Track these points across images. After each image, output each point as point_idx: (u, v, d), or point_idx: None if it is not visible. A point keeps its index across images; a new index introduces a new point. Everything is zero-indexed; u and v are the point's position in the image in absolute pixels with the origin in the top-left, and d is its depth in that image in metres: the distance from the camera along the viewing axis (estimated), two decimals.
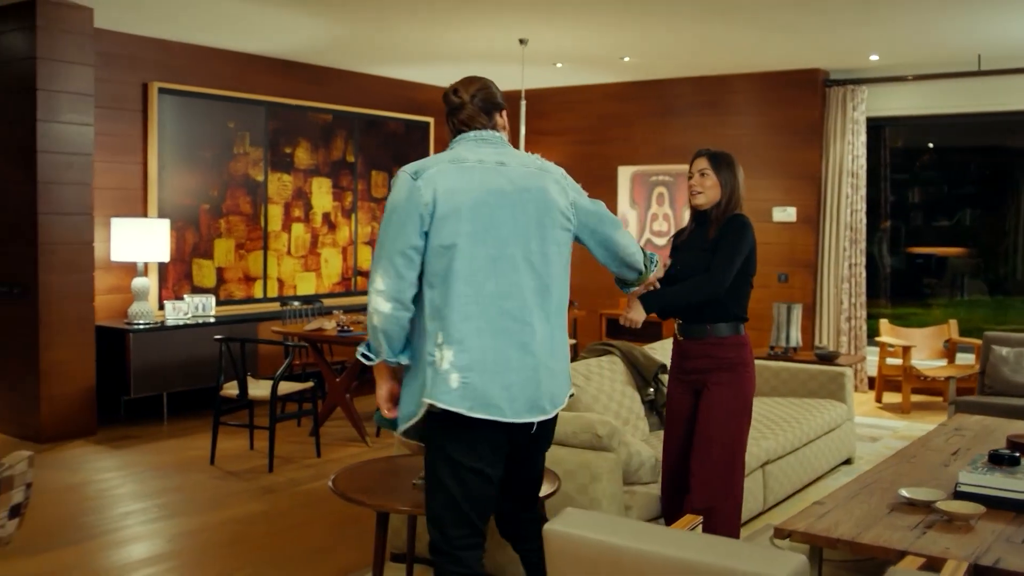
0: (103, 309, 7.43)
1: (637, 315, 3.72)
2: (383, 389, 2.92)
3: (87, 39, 6.82)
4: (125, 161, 7.62)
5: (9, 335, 6.89)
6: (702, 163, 3.91)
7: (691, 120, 9.56)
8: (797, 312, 7.21)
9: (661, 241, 9.73)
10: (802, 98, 8.99)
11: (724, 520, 3.80)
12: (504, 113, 3.00)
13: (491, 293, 2.74)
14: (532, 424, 2.81)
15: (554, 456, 4.01)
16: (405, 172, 2.80)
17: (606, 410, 4.72)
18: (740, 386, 3.85)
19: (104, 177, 7.40)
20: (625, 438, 4.17)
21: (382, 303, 2.76)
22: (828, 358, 7.00)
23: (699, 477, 3.83)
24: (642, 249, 3.20)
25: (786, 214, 9.06)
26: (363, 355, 2.88)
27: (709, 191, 3.88)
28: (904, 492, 3.84)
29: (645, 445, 4.39)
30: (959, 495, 3.80)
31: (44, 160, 6.62)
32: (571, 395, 2.98)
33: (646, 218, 9.86)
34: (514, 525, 3.09)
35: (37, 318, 6.64)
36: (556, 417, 2.91)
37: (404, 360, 2.83)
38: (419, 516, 3.98)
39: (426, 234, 2.75)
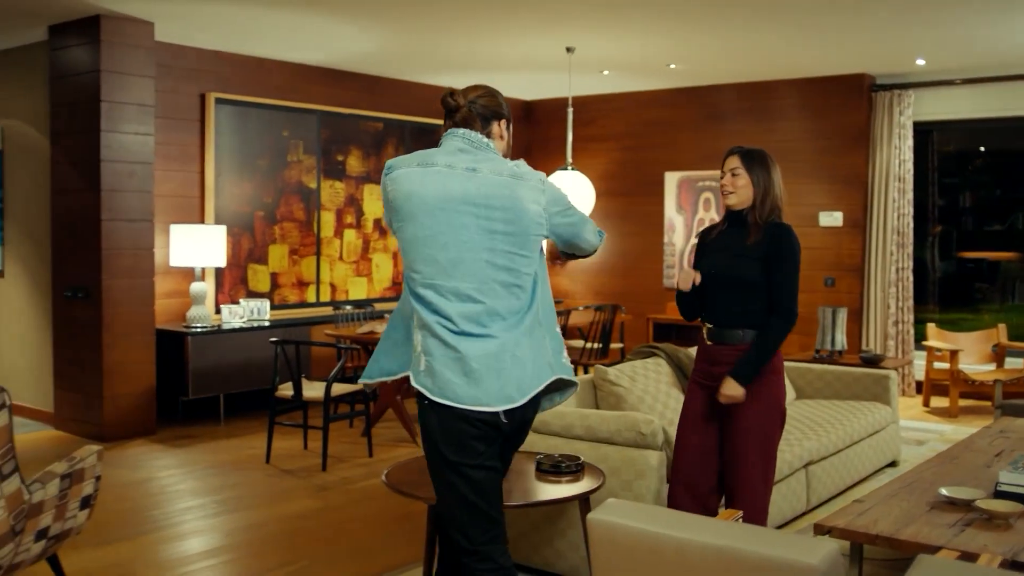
0: (162, 313, 7.67)
1: (737, 391, 3.70)
2: None
3: (148, 52, 7.07)
4: (183, 169, 7.86)
5: (74, 337, 7.14)
6: (733, 161, 3.77)
7: (737, 126, 9.62)
8: (842, 316, 7.24)
9: None
10: (848, 103, 9.02)
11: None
12: (504, 123, 3.05)
13: (449, 294, 2.84)
14: (510, 413, 2.85)
15: (599, 453, 4.13)
16: (386, 165, 2.96)
17: (651, 410, 4.83)
18: (772, 393, 3.79)
19: (163, 185, 7.65)
20: (669, 436, 4.26)
21: None
22: (873, 361, 7.03)
23: (738, 489, 3.77)
24: (597, 231, 3.16)
25: (833, 219, 9.08)
26: None
27: (741, 191, 3.76)
28: (944, 491, 3.89)
29: None
30: (999, 494, 3.85)
31: (107, 169, 6.87)
32: (554, 381, 2.96)
33: (692, 223, 9.93)
34: None
35: (100, 321, 6.89)
36: (531, 411, 2.93)
37: None
38: None
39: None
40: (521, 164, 2.98)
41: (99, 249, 6.88)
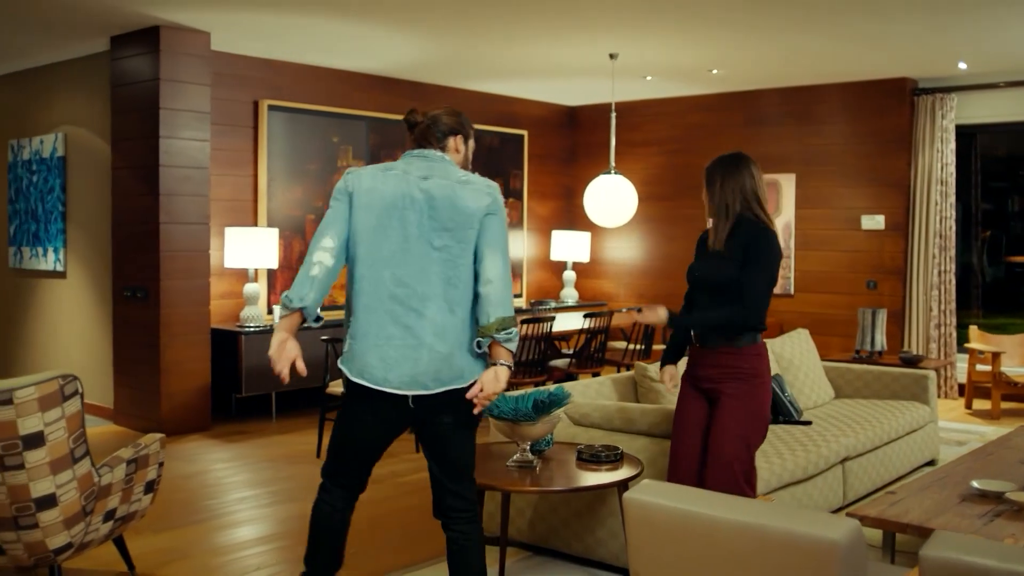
0: (217, 313, 7.91)
1: (653, 317, 3.92)
2: (276, 338, 3.24)
3: (204, 61, 7.34)
4: (237, 174, 8.12)
5: (133, 336, 7.42)
6: (702, 180, 4.04)
7: (780, 130, 9.70)
8: (882, 317, 7.32)
9: None
10: (890, 107, 9.07)
11: None
12: (460, 139, 3.45)
13: (386, 279, 3.23)
14: (428, 398, 3.22)
15: (637, 444, 4.28)
16: (346, 172, 3.35)
17: None
18: (754, 397, 3.88)
19: (218, 189, 7.90)
20: None
21: (328, 258, 3.24)
22: (912, 362, 7.10)
23: (712, 486, 3.76)
24: (507, 314, 3.25)
25: (875, 222, 9.13)
26: (287, 297, 3.25)
27: (707, 203, 4.03)
28: (975, 483, 3.99)
29: None
30: None
31: (165, 174, 7.14)
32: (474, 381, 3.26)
33: None
34: (441, 506, 3.38)
35: (158, 320, 7.15)
36: (464, 399, 3.22)
37: (315, 316, 3.29)
38: (512, 496, 4.30)
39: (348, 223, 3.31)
40: (473, 175, 3.38)
41: (157, 251, 7.14)
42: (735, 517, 2.54)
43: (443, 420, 3.28)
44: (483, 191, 3.30)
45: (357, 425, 3.34)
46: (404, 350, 3.19)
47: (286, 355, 3.19)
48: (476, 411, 3.24)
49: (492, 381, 3.21)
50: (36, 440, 3.55)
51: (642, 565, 2.73)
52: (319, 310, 3.27)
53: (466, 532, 3.36)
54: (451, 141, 3.42)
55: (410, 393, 3.21)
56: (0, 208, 9.05)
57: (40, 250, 8.47)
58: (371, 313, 3.22)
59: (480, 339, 3.24)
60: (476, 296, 3.27)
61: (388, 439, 3.38)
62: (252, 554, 4.67)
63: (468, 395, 3.21)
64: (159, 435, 4.20)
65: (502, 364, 3.23)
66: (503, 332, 3.20)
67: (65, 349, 8.31)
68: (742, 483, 3.82)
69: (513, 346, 3.25)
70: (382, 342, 3.20)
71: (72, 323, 8.23)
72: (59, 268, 8.27)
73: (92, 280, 7.99)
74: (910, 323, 8.99)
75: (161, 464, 4.21)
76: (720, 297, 3.89)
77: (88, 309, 8.05)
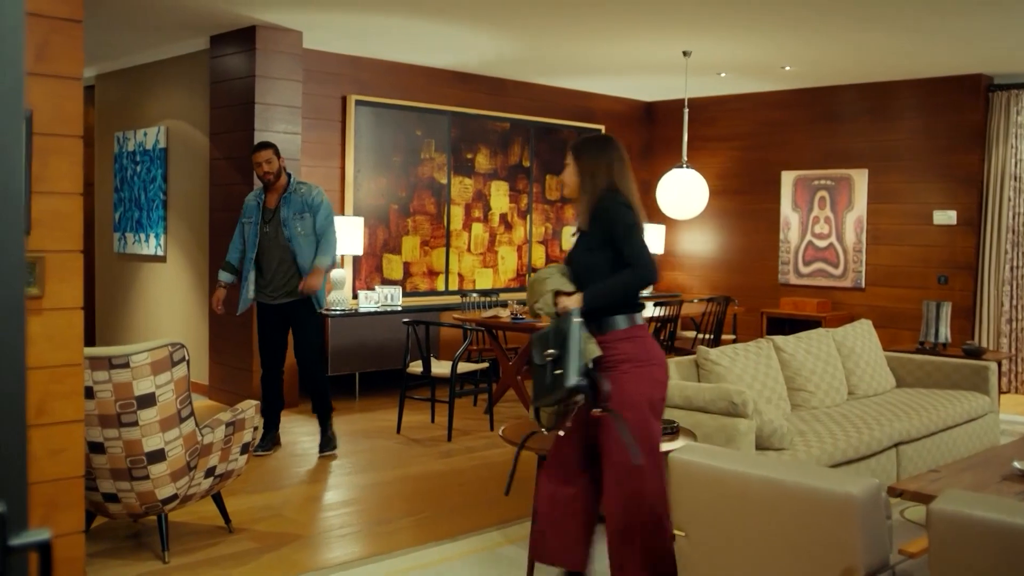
0: None
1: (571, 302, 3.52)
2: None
3: (297, 59, 7.78)
4: (326, 165, 8.57)
5: (227, 316, 7.89)
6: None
7: (853, 126, 9.82)
8: (946, 309, 7.44)
9: (823, 244, 10.02)
10: (965, 103, 9.13)
11: None
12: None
13: None
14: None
15: (694, 420, 4.56)
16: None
17: (749, 388, 5.20)
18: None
19: (308, 179, 8.32)
20: (760, 407, 4.65)
21: None
22: (975, 353, 7.21)
23: None
24: (323, 261, 6.19)
25: (946, 217, 9.21)
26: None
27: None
28: (1017, 464, 4.18)
29: (780, 415, 4.85)
30: None
31: None
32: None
33: (808, 221, 10.17)
34: None
35: None
36: (306, 307, 6.25)
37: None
38: None
39: None
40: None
41: None
42: (764, 473, 2.83)
43: (300, 322, 6.32)
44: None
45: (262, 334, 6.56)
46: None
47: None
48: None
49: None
50: (148, 400, 3.98)
51: (685, 518, 3.04)
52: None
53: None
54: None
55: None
56: (107, 196, 9.65)
57: (143, 236, 9.03)
58: None
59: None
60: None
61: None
62: (336, 514, 5.07)
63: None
64: (255, 401, 4.61)
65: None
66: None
67: (165, 328, 8.85)
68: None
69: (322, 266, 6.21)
70: None
71: (171, 304, 8.77)
72: (160, 252, 8.82)
73: (190, 263, 8.51)
74: (980, 318, 9.05)
75: (256, 428, 4.62)
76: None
77: (186, 291, 8.57)
